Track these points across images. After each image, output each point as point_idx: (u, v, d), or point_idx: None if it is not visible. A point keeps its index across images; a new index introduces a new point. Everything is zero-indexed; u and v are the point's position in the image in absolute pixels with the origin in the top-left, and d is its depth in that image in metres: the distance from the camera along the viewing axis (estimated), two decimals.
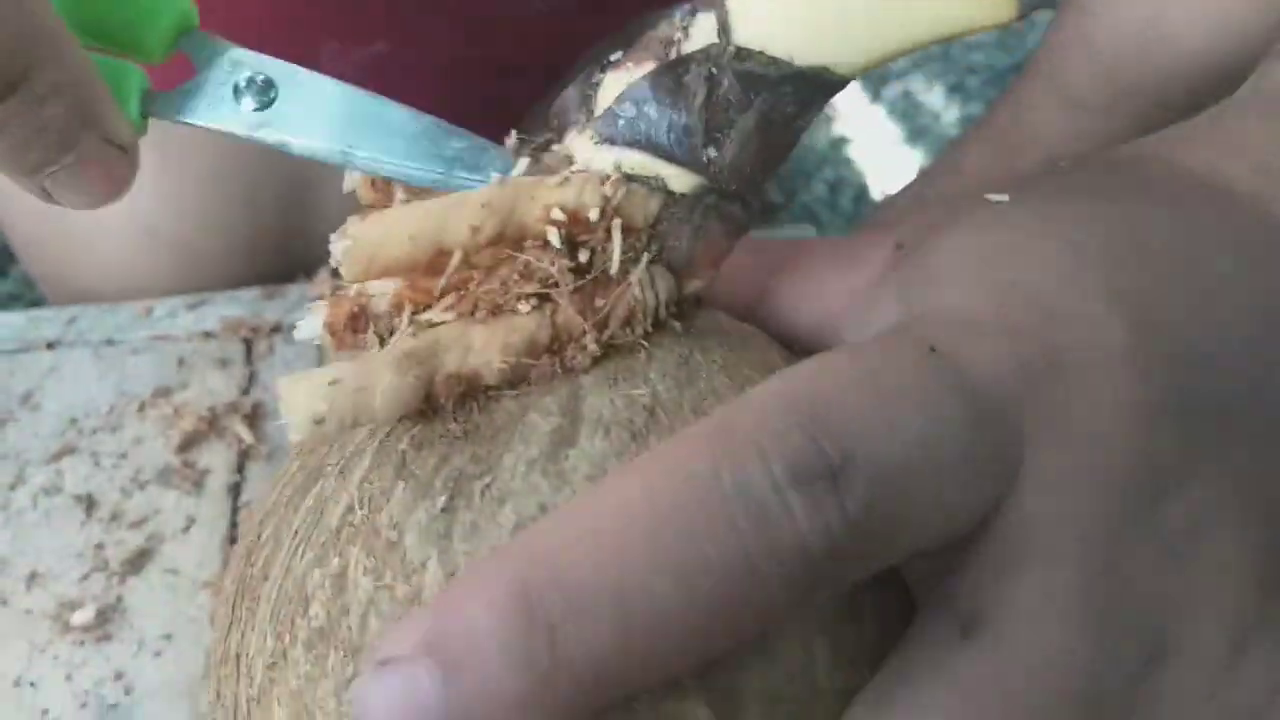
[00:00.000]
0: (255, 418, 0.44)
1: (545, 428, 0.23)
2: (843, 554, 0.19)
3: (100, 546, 0.40)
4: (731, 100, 0.24)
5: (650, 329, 0.25)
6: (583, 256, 0.25)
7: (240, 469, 0.43)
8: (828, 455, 0.19)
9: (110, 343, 0.47)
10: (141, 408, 0.44)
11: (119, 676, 0.37)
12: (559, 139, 0.26)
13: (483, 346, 0.24)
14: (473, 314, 0.24)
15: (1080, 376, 0.22)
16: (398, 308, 0.25)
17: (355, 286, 0.26)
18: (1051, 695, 0.20)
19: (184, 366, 0.46)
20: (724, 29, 0.24)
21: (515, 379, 0.24)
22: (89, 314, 0.48)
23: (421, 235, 0.24)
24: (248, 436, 0.43)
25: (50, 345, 0.47)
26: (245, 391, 0.45)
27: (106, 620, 0.38)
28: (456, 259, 0.24)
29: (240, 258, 0.58)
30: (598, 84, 0.26)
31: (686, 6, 0.25)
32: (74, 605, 0.38)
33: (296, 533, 0.24)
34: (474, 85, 0.63)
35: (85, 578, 0.39)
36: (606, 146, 0.25)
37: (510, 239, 0.25)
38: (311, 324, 0.25)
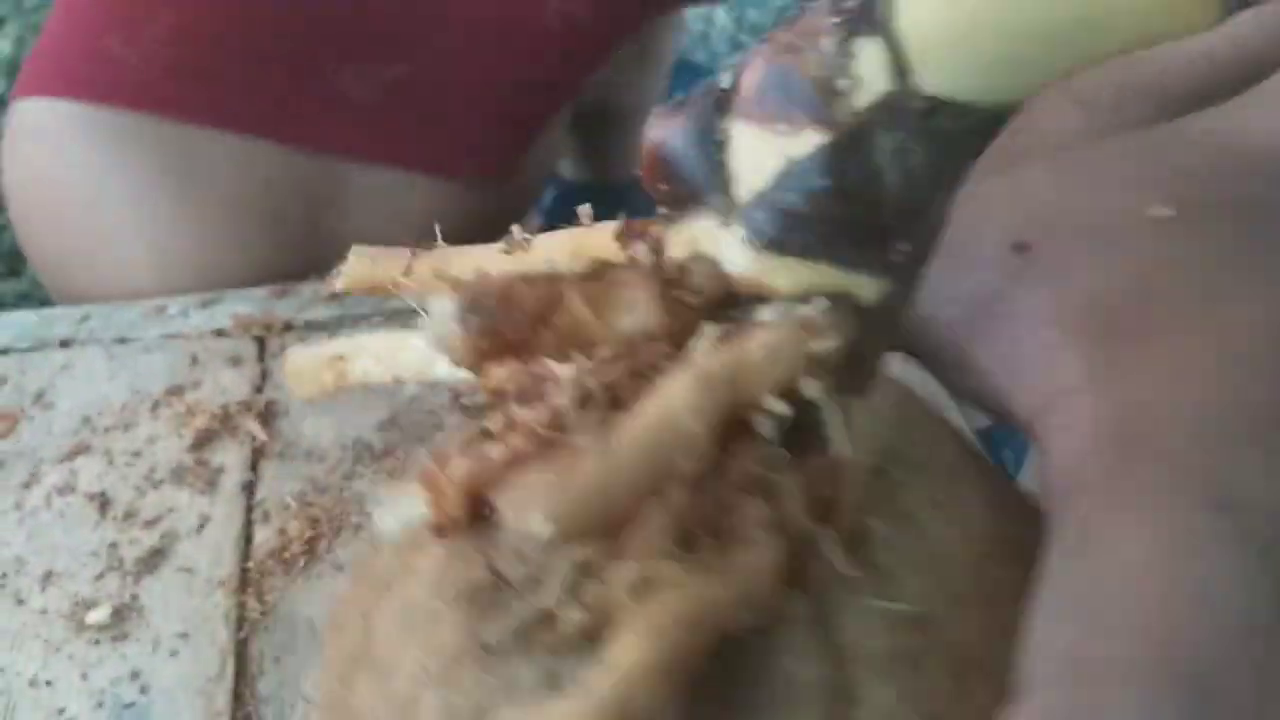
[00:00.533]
0: (268, 415, 0.44)
1: (811, 679, 0.18)
2: None
3: (115, 545, 0.40)
4: (924, 180, 0.18)
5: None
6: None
7: (254, 466, 0.42)
8: None
9: (123, 341, 0.47)
10: (154, 406, 0.44)
11: (135, 675, 0.37)
12: (679, 205, 0.20)
13: (723, 604, 0.17)
14: (687, 547, 0.18)
15: None
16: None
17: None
18: None
19: (197, 364, 0.46)
20: (900, 67, 0.17)
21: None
22: (101, 312, 0.48)
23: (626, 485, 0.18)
24: (261, 434, 0.43)
25: (63, 344, 0.47)
26: (258, 389, 0.45)
27: (122, 619, 0.38)
28: (676, 499, 0.18)
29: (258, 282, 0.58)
30: (722, 141, 0.19)
31: (830, 23, 0.18)
32: (89, 604, 0.38)
33: None
34: (494, 103, 0.63)
35: (100, 577, 0.39)
36: (766, 254, 0.19)
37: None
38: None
